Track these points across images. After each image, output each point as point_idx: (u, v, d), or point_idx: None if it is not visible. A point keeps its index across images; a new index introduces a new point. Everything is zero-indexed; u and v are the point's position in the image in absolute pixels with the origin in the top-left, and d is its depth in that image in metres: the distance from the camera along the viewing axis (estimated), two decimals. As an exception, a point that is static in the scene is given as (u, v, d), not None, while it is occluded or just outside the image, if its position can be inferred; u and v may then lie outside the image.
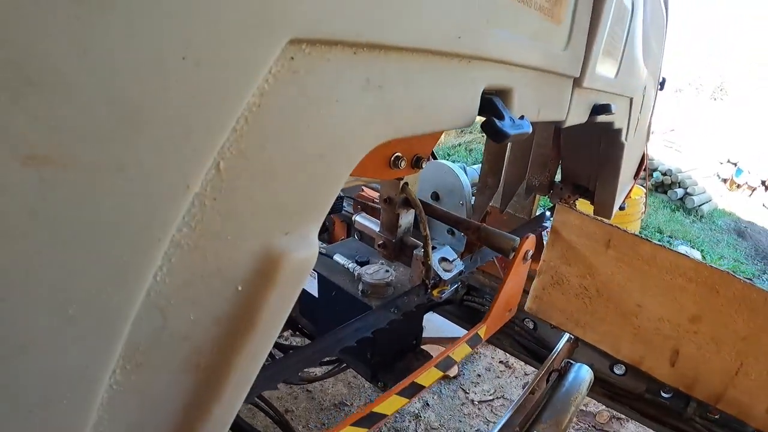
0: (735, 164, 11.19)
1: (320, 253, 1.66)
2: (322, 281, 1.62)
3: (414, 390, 1.12)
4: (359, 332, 1.12)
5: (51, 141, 0.28)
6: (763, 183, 10.77)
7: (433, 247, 1.48)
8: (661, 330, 1.45)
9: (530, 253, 1.46)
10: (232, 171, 0.38)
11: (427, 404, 2.87)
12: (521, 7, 0.65)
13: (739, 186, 11.08)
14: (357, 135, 0.46)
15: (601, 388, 1.97)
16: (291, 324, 1.87)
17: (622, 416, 2.76)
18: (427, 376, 1.17)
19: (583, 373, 1.66)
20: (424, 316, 1.75)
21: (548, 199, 2.26)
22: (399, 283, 1.53)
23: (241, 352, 0.44)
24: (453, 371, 3.21)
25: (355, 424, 0.96)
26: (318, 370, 2.32)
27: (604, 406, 2.85)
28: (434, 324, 2.19)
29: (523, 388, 3.04)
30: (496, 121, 0.66)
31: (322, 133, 0.43)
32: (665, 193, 9.00)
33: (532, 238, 1.42)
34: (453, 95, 0.59)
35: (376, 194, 2.13)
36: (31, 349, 0.32)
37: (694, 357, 1.41)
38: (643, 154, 2.82)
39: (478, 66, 0.61)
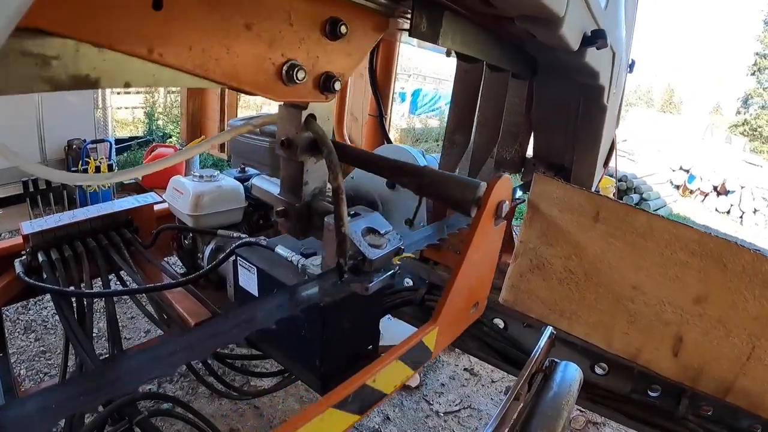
0: (687, 171, 11.75)
1: (260, 245, 1.37)
2: (263, 277, 1.32)
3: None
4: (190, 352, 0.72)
5: None
6: (715, 188, 11.34)
7: (356, 214, 1.08)
8: (661, 315, 1.25)
9: (505, 205, 1.06)
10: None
11: (388, 418, 2.59)
12: None
13: (692, 192, 11.66)
14: None
15: (582, 390, 1.76)
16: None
17: (599, 420, 2.57)
18: (319, 424, 0.76)
19: (571, 372, 1.43)
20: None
21: (519, 178, 2.05)
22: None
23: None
24: (414, 381, 2.94)
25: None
26: (266, 383, 2.04)
27: (578, 410, 2.66)
28: (394, 330, 1.92)
29: (505, 394, 2.80)
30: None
31: None
32: (621, 198, 9.29)
33: (505, 180, 1.02)
34: None
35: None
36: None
37: (699, 344, 1.21)
38: (613, 140, 2.71)
39: None
